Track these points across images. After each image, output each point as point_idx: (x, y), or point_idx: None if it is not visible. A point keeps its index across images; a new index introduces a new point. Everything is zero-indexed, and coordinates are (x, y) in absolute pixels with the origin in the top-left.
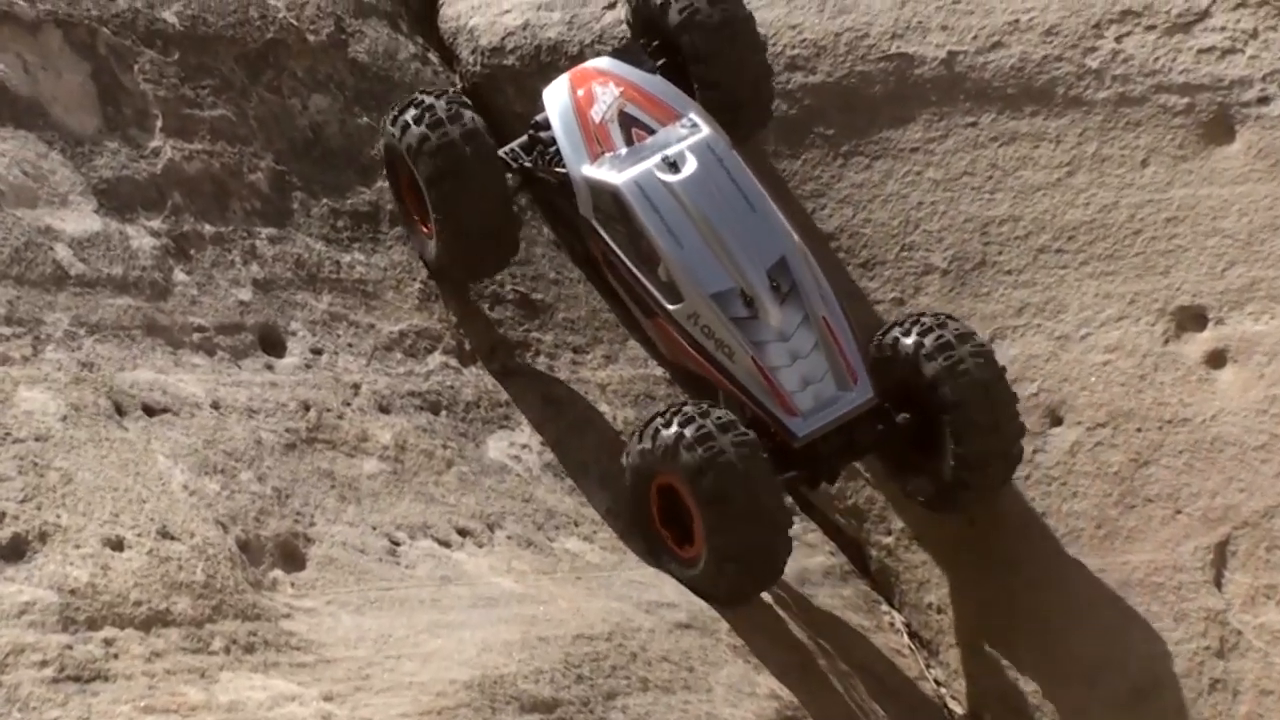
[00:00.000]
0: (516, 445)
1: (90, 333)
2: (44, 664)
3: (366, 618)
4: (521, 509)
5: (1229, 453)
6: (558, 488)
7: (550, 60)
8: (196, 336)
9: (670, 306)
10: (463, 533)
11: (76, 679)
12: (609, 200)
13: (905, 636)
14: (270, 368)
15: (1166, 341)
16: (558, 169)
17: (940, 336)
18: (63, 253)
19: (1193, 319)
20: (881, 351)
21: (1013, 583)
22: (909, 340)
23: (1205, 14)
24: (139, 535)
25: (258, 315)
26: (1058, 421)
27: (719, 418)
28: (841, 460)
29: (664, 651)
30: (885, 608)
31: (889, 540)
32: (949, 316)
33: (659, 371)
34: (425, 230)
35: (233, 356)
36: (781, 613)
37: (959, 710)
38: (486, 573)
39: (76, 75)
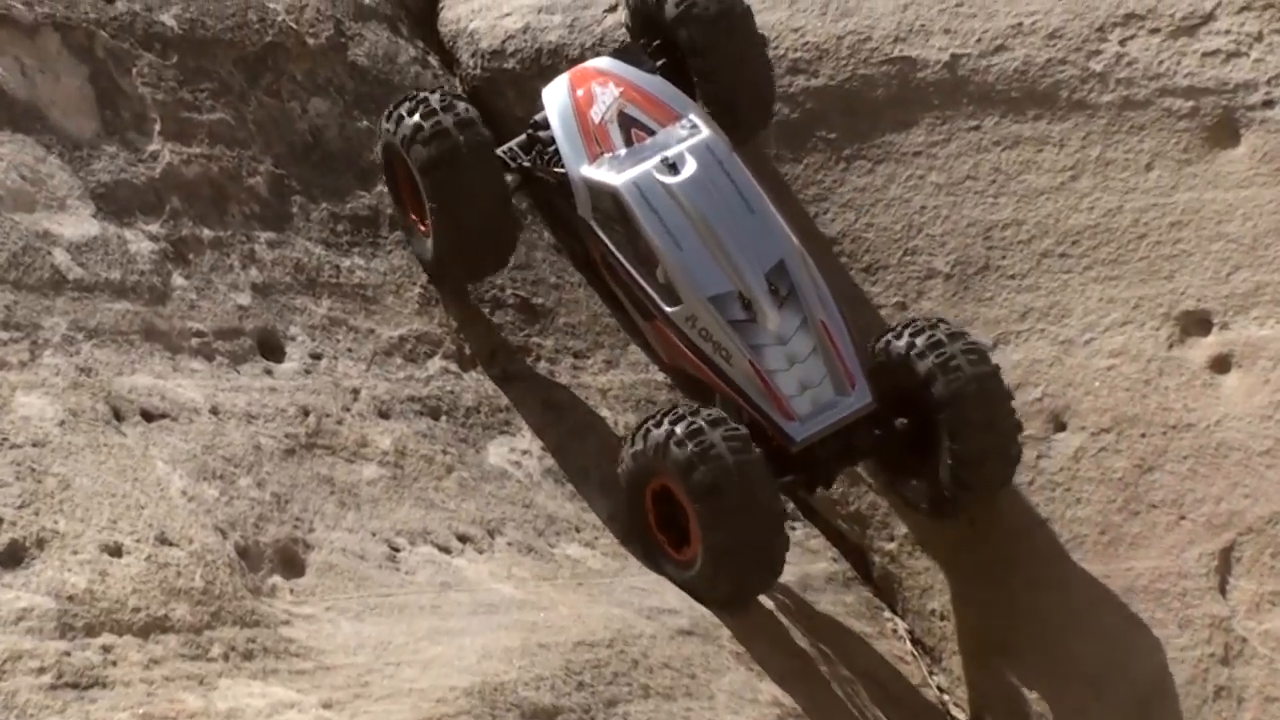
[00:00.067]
0: (517, 451)
1: (88, 337)
2: (42, 671)
3: (366, 624)
4: (522, 515)
5: (1234, 458)
6: (558, 493)
7: (551, 64)
8: (195, 341)
9: (668, 309)
10: (463, 539)
11: (74, 686)
12: (608, 201)
13: (908, 643)
14: (269, 373)
15: (1171, 346)
16: (556, 169)
17: (932, 336)
18: (60, 257)
19: (1197, 324)
20: (876, 357)
21: (1016, 589)
22: (901, 342)
23: (1210, 17)
24: (137, 541)
25: (257, 320)
26: (1061, 427)
27: (709, 415)
28: (839, 465)
29: (665, 658)
30: (888, 614)
31: (892, 546)
32: (941, 319)
33: (660, 377)
34: (423, 229)
35: (231, 361)
36: (784, 619)
37: (962, 717)
38: (487, 579)
39: (74, 78)
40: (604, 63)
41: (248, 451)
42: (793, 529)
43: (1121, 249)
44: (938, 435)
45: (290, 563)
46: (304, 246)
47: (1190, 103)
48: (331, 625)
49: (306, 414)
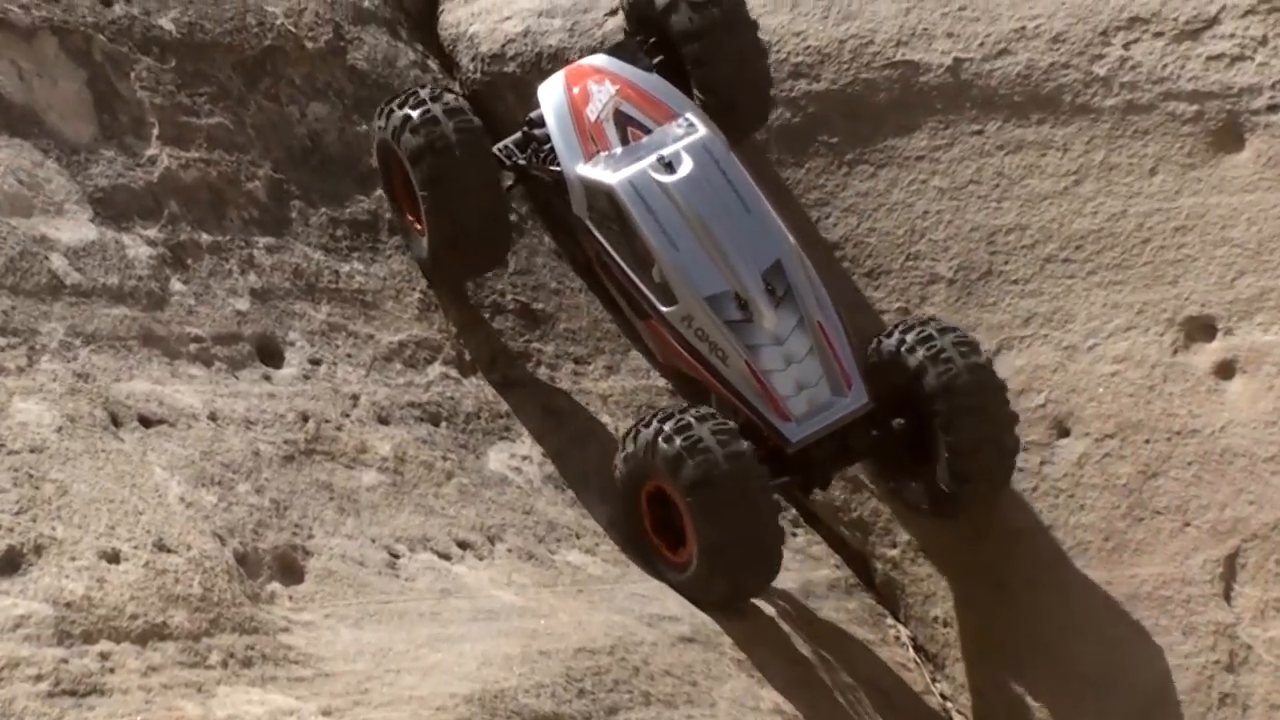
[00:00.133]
0: (517, 457)
1: (86, 343)
2: (39, 678)
3: (365, 631)
4: (522, 521)
5: (1238, 464)
6: (559, 500)
7: (551, 67)
8: (193, 347)
9: (664, 309)
10: (463, 545)
11: (72, 693)
12: (604, 200)
13: (911, 650)
14: (268, 378)
15: (1175, 352)
16: (552, 167)
17: (922, 331)
18: (58, 262)
19: (1201, 329)
20: (870, 359)
21: (1019, 595)
22: (891, 340)
23: (1214, 21)
24: (135, 548)
25: (255, 325)
26: (1065, 433)
27: (698, 412)
28: (835, 466)
29: (667, 665)
30: (890, 621)
31: (894, 553)
32: (933, 318)
33: (661, 382)
34: (419, 229)
35: (230, 367)
36: (785, 626)
37: None
38: (487, 585)
39: (72, 83)
40: (600, 60)
41: (246, 457)
42: (794, 535)
43: (1125, 254)
44: (933, 430)
45: (289, 569)
46: (303, 251)
47: (1194, 107)
48: (331, 632)
49: (306, 420)
